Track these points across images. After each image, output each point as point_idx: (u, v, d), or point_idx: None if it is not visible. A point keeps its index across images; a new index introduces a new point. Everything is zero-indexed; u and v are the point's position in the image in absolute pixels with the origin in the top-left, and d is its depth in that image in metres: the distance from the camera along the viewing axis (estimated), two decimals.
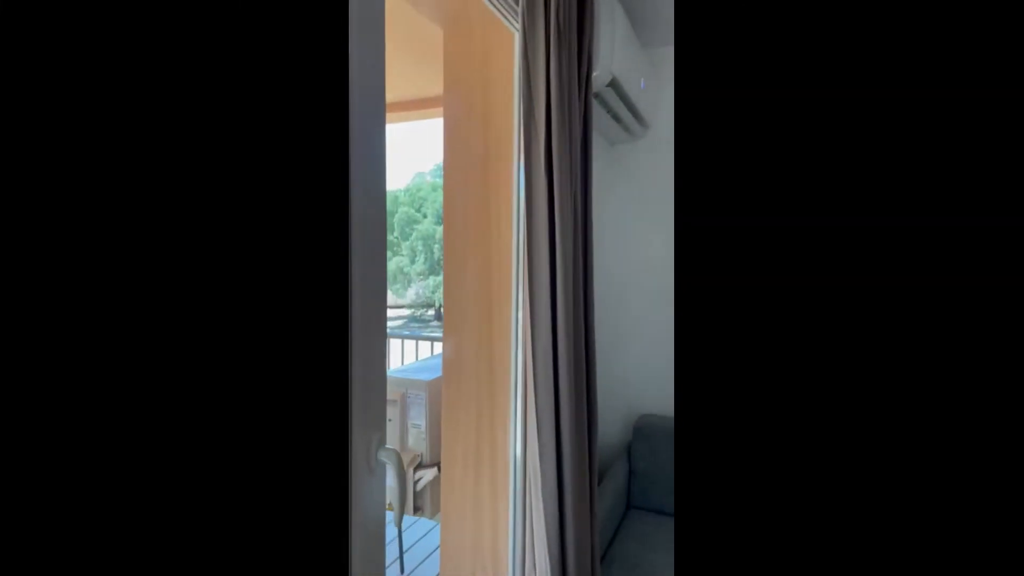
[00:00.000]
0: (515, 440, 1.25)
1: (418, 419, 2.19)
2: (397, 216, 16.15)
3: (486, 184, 1.28)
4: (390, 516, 0.77)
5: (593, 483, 1.29)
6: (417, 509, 2.14)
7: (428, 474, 2.10)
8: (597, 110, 1.65)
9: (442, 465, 1.44)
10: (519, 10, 1.11)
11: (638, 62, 1.69)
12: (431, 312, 16.45)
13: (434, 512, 2.09)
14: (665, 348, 2.05)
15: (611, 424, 2.13)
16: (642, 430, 1.89)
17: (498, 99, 1.30)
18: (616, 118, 1.77)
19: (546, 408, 1.10)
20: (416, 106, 2.28)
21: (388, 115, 0.86)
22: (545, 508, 1.12)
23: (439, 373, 1.89)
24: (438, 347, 3.43)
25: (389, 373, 2.36)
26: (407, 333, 8.49)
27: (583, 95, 1.27)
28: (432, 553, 1.94)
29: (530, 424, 1.14)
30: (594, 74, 1.37)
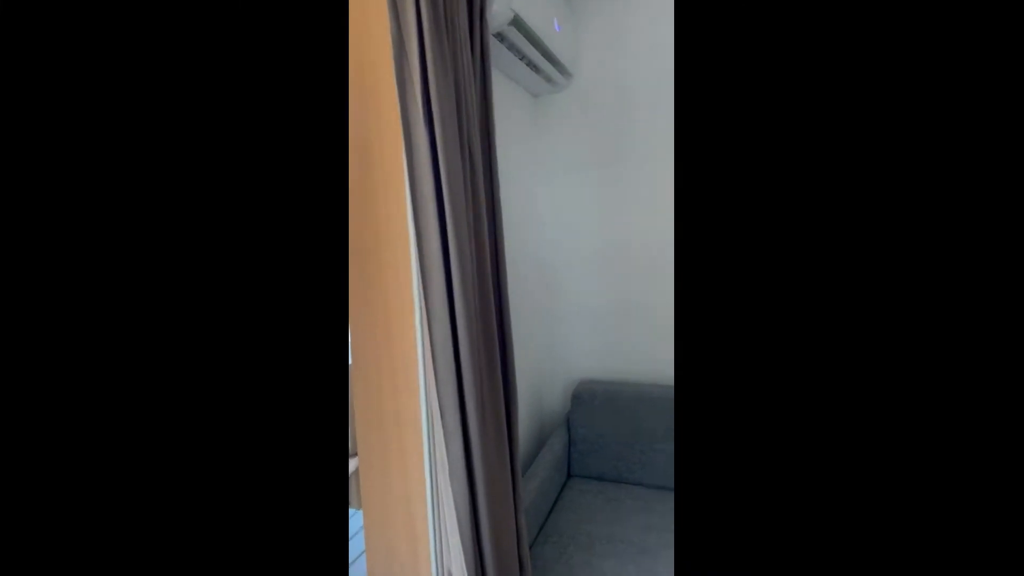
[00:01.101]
0: (425, 430, 1.14)
1: None
2: None
3: (368, 151, 1.11)
4: None
5: (515, 466, 1.21)
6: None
7: (352, 463, 1.99)
8: (507, 56, 1.49)
9: (360, 455, 1.33)
10: None
11: None
12: None
13: (357, 503, 1.99)
14: (604, 310, 1.97)
15: (555, 394, 2.06)
16: (580, 396, 1.83)
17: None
18: (532, 66, 1.61)
19: (448, 394, 0.99)
20: None
21: None
22: (455, 498, 1.02)
23: None
24: None
25: None
26: None
27: (478, 33, 1.11)
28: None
29: (434, 412, 1.02)
30: (492, 9, 1.21)
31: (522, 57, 1.53)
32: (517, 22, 1.28)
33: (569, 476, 1.81)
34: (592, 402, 1.80)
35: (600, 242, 1.94)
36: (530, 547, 1.42)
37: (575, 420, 1.82)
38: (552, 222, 1.99)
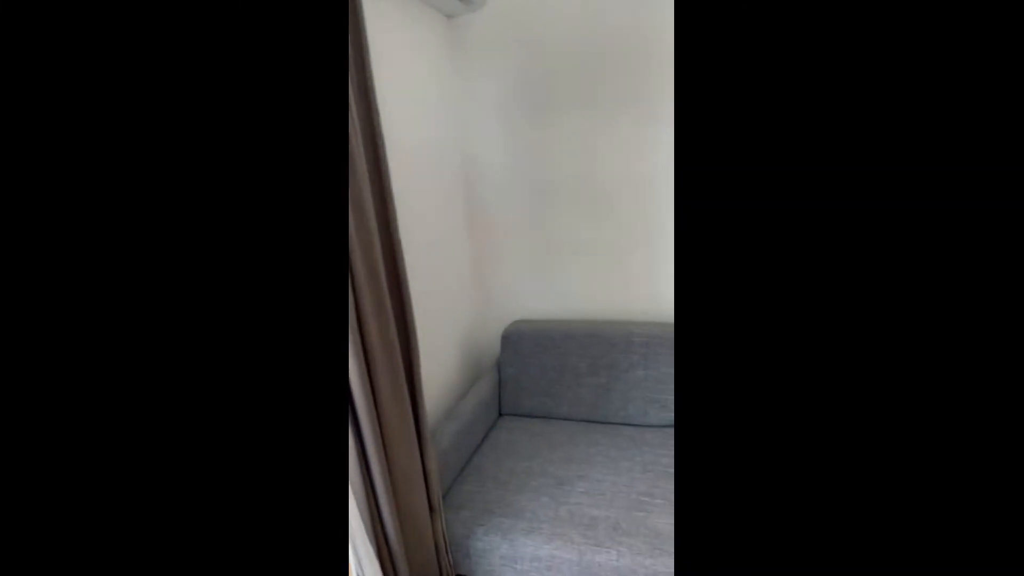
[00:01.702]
0: None
1: None
2: None
3: None
4: None
5: (418, 415, 1.18)
6: None
7: None
8: None
9: None
10: None
11: None
12: None
13: None
14: (539, 251, 1.92)
15: (490, 336, 2.03)
16: (510, 337, 1.80)
17: None
18: None
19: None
20: None
21: None
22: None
23: None
24: None
25: None
26: None
27: None
28: None
29: None
30: None
31: None
32: None
33: (500, 415, 1.81)
34: (520, 342, 1.78)
35: (531, 182, 1.85)
36: (450, 487, 1.43)
37: (505, 360, 1.80)
38: (486, 154, 1.89)
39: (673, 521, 1.21)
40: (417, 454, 1.17)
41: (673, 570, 1.10)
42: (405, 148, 1.53)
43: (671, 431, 1.61)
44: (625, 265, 1.83)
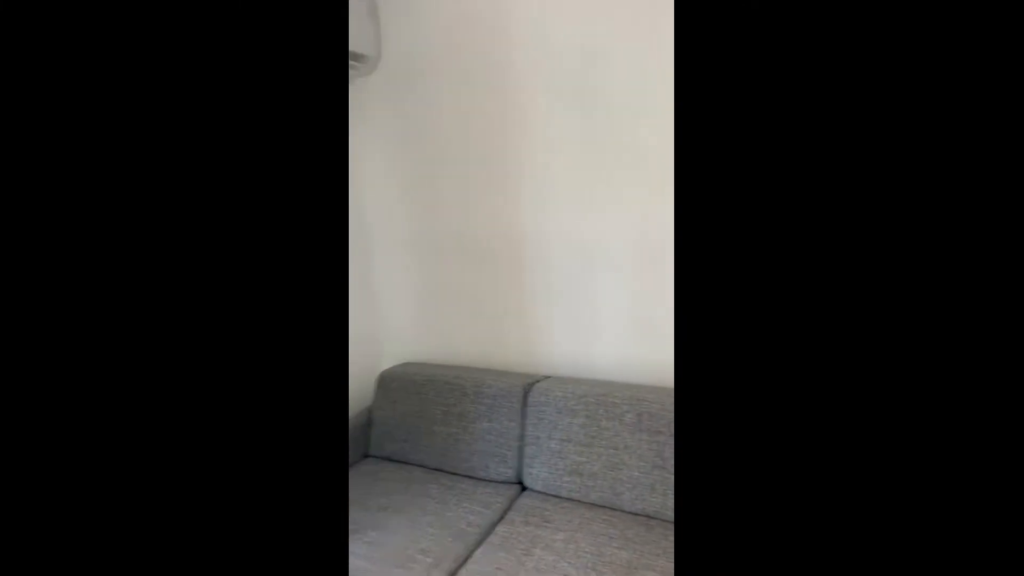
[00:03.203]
0: None
1: None
2: None
3: None
4: None
5: None
6: None
7: None
8: None
9: None
10: None
11: None
12: None
13: None
14: (408, 298, 1.98)
15: (362, 381, 2.09)
16: (384, 379, 1.86)
17: None
18: None
19: None
20: None
21: None
22: None
23: None
24: None
25: None
26: None
27: None
28: None
29: None
30: None
31: None
32: None
33: (365, 456, 1.85)
34: (392, 385, 1.83)
35: (416, 235, 1.94)
36: None
37: (376, 404, 1.86)
38: (370, 208, 2.01)
39: None
40: None
41: None
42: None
43: (504, 486, 1.57)
44: (497, 316, 1.84)
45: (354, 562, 1.26)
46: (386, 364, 2.07)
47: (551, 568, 1.20)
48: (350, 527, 1.40)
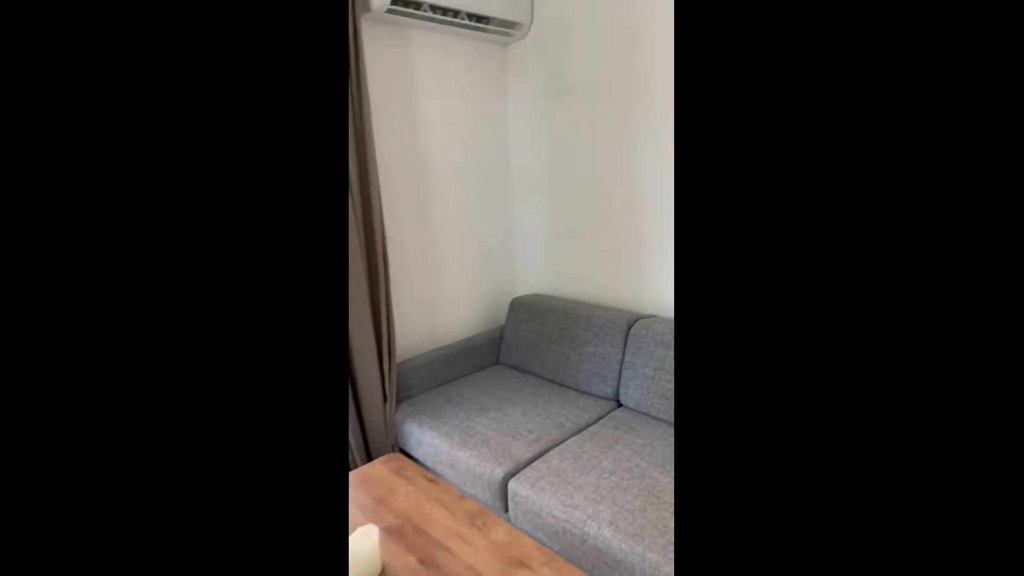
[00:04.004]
0: None
1: None
2: None
3: None
4: None
5: (384, 349, 1.77)
6: None
7: None
8: (438, 20, 1.89)
9: None
10: None
11: None
12: None
13: None
14: (540, 237, 2.30)
15: (498, 304, 2.49)
16: (515, 305, 2.25)
17: None
18: (480, 19, 1.96)
19: None
20: None
21: None
22: None
23: None
24: None
25: None
26: None
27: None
28: None
29: None
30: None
31: (448, 15, 1.89)
32: (398, 1, 1.69)
33: (496, 363, 2.28)
34: (520, 310, 2.21)
35: (549, 176, 2.23)
36: (417, 392, 1.99)
37: (507, 323, 2.26)
38: (526, 157, 2.34)
39: (516, 446, 1.56)
40: (380, 382, 1.78)
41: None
42: (453, 155, 2.09)
43: (602, 400, 1.87)
44: (613, 259, 2.08)
45: (478, 429, 1.69)
46: (518, 292, 2.45)
47: (627, 460, 1.49)
48: (479, 408, 1.83)
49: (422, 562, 1.06)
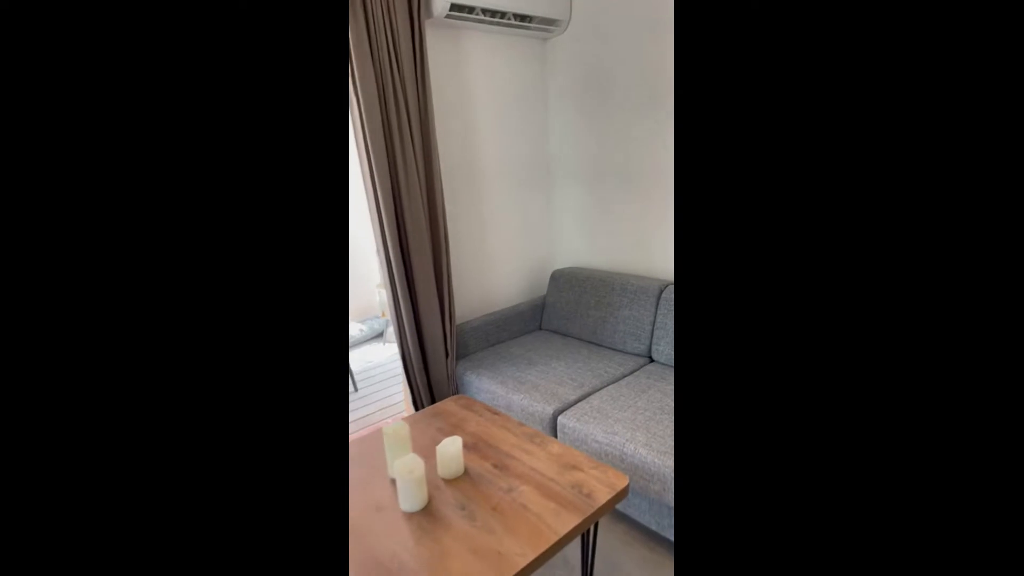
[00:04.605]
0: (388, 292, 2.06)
1: None
2: None
3: None
4: None
5: (445, 311, 2.05)
6: None
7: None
8: (487, 21, 2.13)
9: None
10: None
11: None
12: None
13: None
14: (577, 215, 2.55)
15: (540, 276, 2.75)
16: (555, 276, 2.51)
17: None
18: (523, 18, 2.20)
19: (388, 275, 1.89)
20: None
21: None
22: (398, 332, 1.95)
23: None
24: None
25: None
26: None
27: (417, 24, 1.85)
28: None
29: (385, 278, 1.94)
30: (434, 6, 1.91)
31: (496, 16, 2.14)
32: (455, 7, 1.95)
33: (539, 328, 2.55)
34: (561, 280, 2.47)
35: (585, 160, 2.47)
36: (473, 351, 2.28)
37: (548, 293, 2.52)
38: (559, 145, 2.58)
39: (562, 392, 1.83)
40: (440, 322, 2.07)
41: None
42: (499, 142, 2.35)
43: (637, 357, 2.12)
44: (643, 234, 2.31)
45: (528, 378, 1.97)
46: (558, 265, 2.70)
47: (658, 401, 1.74)
48: (527, 363, 2.11)
49: (495, 465, 1.34)
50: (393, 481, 1.29)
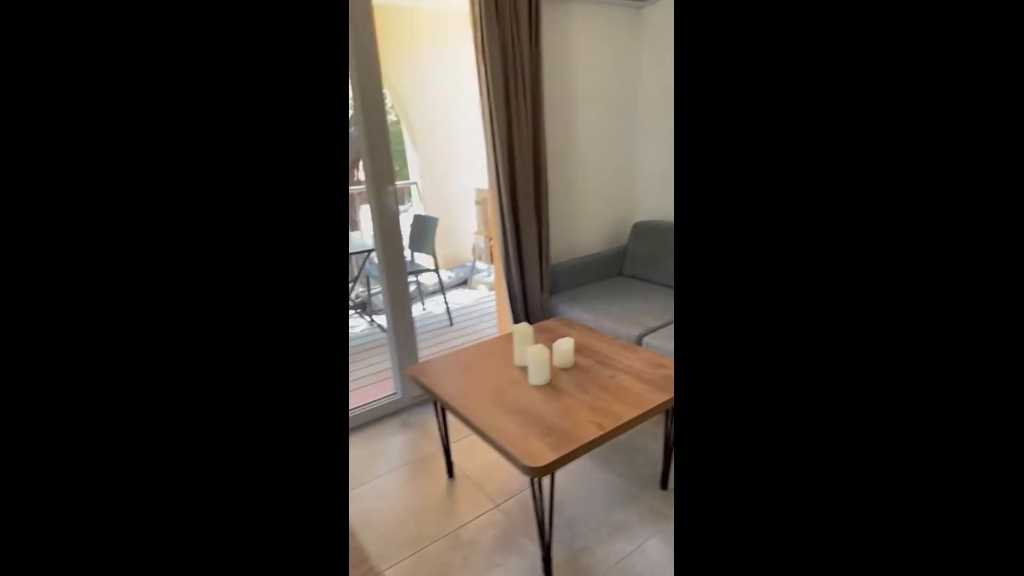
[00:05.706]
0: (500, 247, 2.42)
1: None
2: None
3: None
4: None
5: (543, 252, 2.40)
6: None
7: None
8: None
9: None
10: None
11: None
12: None
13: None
14: (658, 172, 2.81)
15: (623, 226, 3.04)
16: (637, 227, 2.81)
17: None
18: None
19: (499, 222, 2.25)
20: None
21: None
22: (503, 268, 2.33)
23: None
24: None
25: None
26: None
27: None
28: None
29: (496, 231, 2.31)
30: None
31: None
32: None
33: (620, 274, 2.87)
34: (641, 231, 2.77)
35: (669, 123, 2.71)
36: (563, 287, 2.63)
37: (630, 242, 2.82)
38: (649, 103, 2.83)
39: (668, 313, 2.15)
40: (539, 276, 2.43)
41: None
42: (593, 101, 2.64)
43: None
44: None
45: (614, 310, 2.31)
46: (639, 217, 2.99)
47: None
48: (611, 299, 2.44)
49: (598, 362, 1.70)
50: (520, 368, 1.68)
